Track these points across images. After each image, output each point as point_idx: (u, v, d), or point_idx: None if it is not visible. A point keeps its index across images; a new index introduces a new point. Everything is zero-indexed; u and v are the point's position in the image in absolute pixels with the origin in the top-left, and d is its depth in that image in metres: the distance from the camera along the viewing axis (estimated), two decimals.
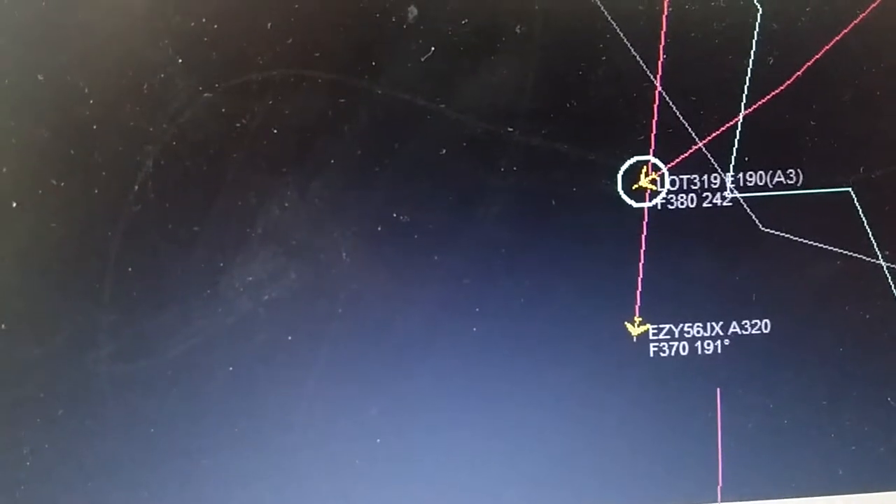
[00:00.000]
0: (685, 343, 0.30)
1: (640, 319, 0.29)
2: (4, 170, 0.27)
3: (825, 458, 0.31)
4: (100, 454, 0.29)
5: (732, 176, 0.29)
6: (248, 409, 0.29)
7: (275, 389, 0.29)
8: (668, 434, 0.30)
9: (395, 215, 0.29)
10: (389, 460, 0.30)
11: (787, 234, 0.29)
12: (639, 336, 0.30)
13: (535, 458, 0.30)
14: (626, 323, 0.29)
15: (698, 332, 0.30)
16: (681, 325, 0.30)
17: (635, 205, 0.29)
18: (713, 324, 0.30)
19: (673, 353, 0.30)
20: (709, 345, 0.30)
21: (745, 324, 0.30)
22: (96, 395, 0.29)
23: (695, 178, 0.29)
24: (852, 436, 0.30)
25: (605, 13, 0.28)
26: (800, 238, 0.29)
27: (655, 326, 0.30)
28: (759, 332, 0.30)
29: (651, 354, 0.30)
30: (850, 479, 0.31)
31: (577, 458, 0.30)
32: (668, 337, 0.30)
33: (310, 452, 0.30)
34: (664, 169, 0.29)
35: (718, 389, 0.30)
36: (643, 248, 0.29)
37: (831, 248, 0.29)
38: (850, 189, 0.29)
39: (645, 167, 0.29)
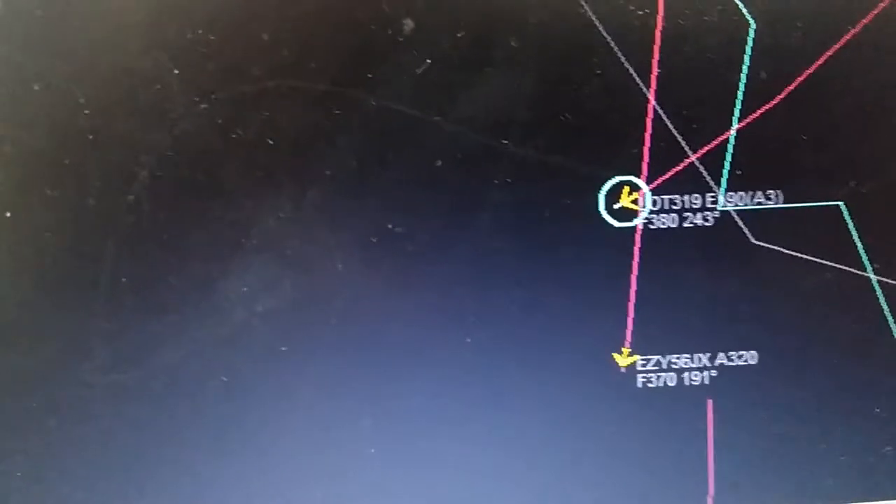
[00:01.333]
0: (673, 374, 0.30)
1: (629, 350, 0.30)
2: None
3: (815, 469, 0.31)
4: (93, 464, 0.29)
5: (724, 190, 0.29)
6: (242, 419, 0.29)
7: (268, 399, 0.29)
8: (660, 439, 0.30)
9: (389, 226, 0.29)
10: (383, 470, 0.30)
11: (777, 247, 0.29)
12: (627, 367, 0.30)
13: (529, 470, 0.30)
14: (613, 354, 0.30)
15: (686, 363, 0.30)
16: (668, 356, 0.30)
17: (617, 224, 0.29)
18: (701, 355, 0.30)
19: (661, 384, 0.30)
20: (696, 375, 0.30)
21: (733, 356, 0.30)
22: (90, 404, 0.29)
23: (676, 199, 0.29)
24: (842, 446, 0.31)
25: (600, 27, 0.28)
26: (790, 251, 0.29)
27: (643, 357, 0.30)
28: (746, 354, 0.30)
29: (639, 385, 0.30)
30: (839, 489, 0.31)
31: (573, 467, 0.30)
32: (655, 368, 0.30)
33: (303, 462, 0.30)
34: (645, 189, 0.29)
35: (710, 401, 0.30)
36: (634, 272, 0.29)
37: (821, 261, 0.29)
38: (840, 203, 0.29)
39: (627, 186, 0.29)
